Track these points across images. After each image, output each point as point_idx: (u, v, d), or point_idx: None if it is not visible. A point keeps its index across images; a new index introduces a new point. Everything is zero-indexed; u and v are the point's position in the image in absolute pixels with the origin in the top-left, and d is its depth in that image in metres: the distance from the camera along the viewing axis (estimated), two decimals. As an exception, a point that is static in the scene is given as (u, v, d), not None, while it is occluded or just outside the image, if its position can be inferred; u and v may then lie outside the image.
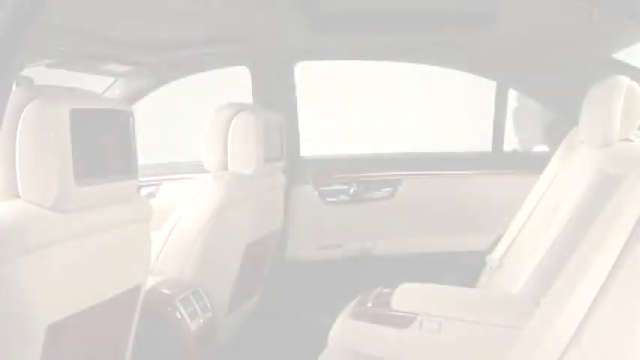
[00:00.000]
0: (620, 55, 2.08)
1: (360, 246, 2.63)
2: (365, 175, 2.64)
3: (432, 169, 2.64)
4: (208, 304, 1.99)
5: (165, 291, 1.89)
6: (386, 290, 1.67)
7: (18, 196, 1.21)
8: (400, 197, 2.60)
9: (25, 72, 1.98)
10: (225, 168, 2.17)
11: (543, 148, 2.68)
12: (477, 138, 2.70)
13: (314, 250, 2.60)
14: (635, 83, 1.84)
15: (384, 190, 2.62)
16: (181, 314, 1.85)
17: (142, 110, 2.43)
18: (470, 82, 2.58)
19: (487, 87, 2.53)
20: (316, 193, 2.60)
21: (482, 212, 2.54)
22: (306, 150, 2.63)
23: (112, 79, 2.74)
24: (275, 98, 2.61)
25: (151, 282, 1.85)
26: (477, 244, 2.48)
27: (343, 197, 2.62)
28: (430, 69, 2.59)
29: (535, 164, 2.23)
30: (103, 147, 1.34)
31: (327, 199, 2.61)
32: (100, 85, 2.71)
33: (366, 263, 2.63)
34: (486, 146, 2.62)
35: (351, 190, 2.61)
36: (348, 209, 2.62)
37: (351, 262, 2.63)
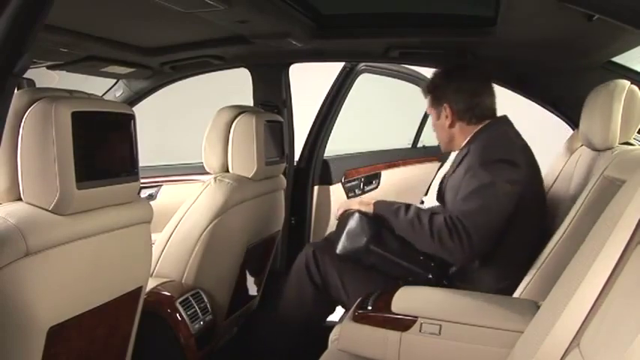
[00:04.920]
0: (620, 59, 2.08)
1: None
2: (365, 170, 3.05)
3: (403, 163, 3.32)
4: (209, 306, 1.99)
5: (166, 293, 1.89)
6: (386, 293, 1.67)
7: (20, 199, 1.22)
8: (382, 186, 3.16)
9: (27, 74, 1.98)
10: (226, 170, 2.17)
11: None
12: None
13: None
14: (635, 87, 1.85)
15: (374, 181, 3.12)
16: (182, 316, 1.86)
17: (143, 112, 2.44)
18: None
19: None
20: (343, 189, 2.91)
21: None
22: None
23: (113, 81, 2.74)
24: (276, 99, 2.63)
25: (151, 284, 1.86)
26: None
27: (358, 191, 3.01)
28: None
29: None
30: (104, 149, 1.34)
31: (349, 194, 2.95)
32: (101, 87, 2.72)
33: None
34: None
35: (361, 185, 3.01)
36: None
37: None
